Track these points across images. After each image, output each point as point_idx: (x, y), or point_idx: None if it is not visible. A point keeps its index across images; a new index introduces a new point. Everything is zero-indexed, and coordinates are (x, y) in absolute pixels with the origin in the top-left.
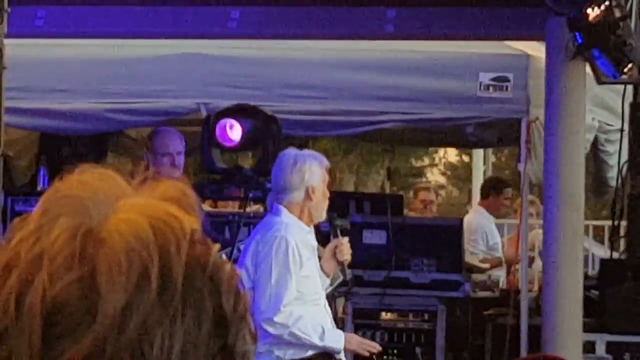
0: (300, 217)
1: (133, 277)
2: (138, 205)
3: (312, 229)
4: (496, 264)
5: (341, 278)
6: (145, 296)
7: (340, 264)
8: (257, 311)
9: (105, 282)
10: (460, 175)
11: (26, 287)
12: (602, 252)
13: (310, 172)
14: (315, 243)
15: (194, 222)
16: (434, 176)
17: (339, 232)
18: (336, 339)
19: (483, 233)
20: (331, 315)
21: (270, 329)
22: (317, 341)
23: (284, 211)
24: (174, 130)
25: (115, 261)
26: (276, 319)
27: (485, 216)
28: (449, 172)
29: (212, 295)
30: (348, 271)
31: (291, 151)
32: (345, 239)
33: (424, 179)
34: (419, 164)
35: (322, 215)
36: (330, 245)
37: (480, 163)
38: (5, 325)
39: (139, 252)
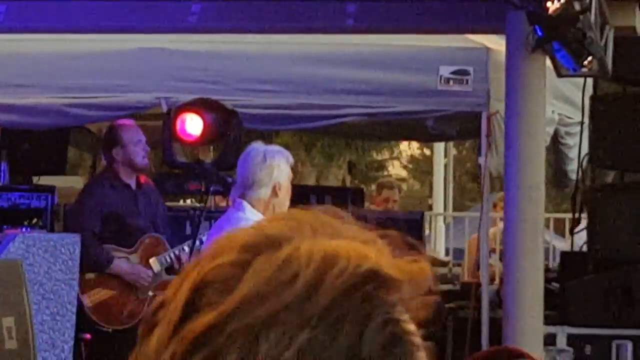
0: (264, 213)
1: (281, 276)
2: (346, 241)
3: None
4: None
5: None
6: (284, 295)
7: None
8: None
9: (252, 270)
10: (421, 168)
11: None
12: (563, 244)
13: (278, 169)
14: None
15: (387, 269)
16: (395, 169)
17: None
18: None
19: None
20: None
21: None
22: None
23: (247, 207)
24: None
25: (273, 258)
26: None
27: None
28: (410, 165)
29: (356, 326)
30: None
31: (259, 146)
32: None
33: (385, 173)
34: (380, 157)
35: (285, 211)
36: None
37: (442, 156)
38: (167, 296)
39: (299, 260)
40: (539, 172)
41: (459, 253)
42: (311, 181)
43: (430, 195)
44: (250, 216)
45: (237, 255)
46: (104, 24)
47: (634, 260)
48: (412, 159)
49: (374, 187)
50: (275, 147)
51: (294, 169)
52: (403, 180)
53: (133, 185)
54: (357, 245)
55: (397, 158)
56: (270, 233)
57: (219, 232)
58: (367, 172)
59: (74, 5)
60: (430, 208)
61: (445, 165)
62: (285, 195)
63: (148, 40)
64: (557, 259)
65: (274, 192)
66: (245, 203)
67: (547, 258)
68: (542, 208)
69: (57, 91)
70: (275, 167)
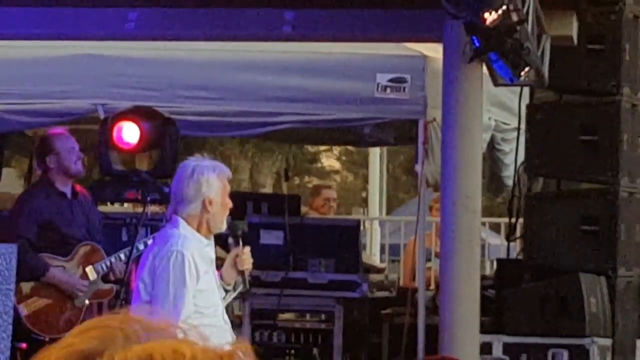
0: (198, 229)
1: None
2: (159, 342)
3: (211, 241)
4: None
5: (241, 286)
6: None
7: (240, 273)
8: None
9: None
10: (355, 160)
11: None
12: (499, 241)
13: (207, 184)
14: (213, 255)
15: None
16: (329, 161)
17: (240, 240)
18: None
19: None
20: (229, 324)
21: None
22: None
23: (182, 223)
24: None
25: None
26: None
27: None
28: (344, 157)
29: None
30: (248, 279)
31: (191, 162)
32: (247, 249)
33: (318, 165)
34: (314, 148)
35: (221, 227)
36: (231, 254)
37: (376, 149)
38: None
39: None
40: (476, 181)
41: (395, 250)
42: (245, 175)
43: (365, 188)
44: (185, 232)
45: None
46: (42, 31)
47: (570, 268)
48: (346, 150)
49: (307, 178)
50: (206, 162)
51: (227, 163)
52: (336, 172)
53: (68, 194)
54: (170, 344)
55: (331, 149)
56: (82, 348)
57: (153, 248)
58: (302, 164)
59: (10, 11)
60: (364, 201)
61: (380, 157)
62: (219, 209)
63: (85, 46)
64: (491, 254)
65: (204, 208)
66: (180, 219)
67: (482, 255)
68: (478, 215)
69: None
70: (203, 182)
